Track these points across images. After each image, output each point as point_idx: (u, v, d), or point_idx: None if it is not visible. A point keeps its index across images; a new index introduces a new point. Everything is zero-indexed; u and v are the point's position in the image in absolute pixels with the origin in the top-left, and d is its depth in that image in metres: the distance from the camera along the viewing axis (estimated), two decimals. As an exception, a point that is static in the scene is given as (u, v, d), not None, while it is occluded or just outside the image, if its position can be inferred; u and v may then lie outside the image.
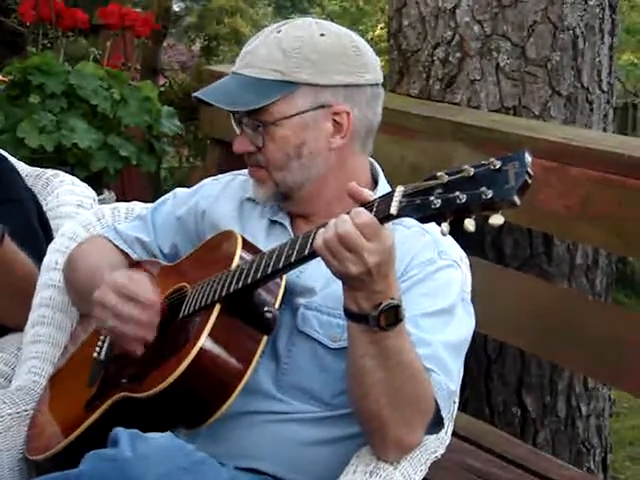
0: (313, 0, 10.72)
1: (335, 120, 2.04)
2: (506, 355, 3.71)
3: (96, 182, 3.81)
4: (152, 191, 5.30)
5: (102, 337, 2.18)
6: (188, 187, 2.39)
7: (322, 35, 2.04)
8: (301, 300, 2.03)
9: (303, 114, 2.02)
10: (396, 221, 1.75)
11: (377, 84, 2.09)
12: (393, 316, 1.80)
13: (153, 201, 2.42)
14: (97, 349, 2.17)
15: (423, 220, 1.67)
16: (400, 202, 1.69)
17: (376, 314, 1.79)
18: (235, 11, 9.31)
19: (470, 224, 1.61)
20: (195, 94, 2.07)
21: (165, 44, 8.67)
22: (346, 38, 2.07)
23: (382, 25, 9.57)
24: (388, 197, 1.71)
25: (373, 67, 2.08)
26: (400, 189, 1.70)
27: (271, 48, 2.03)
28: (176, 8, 9.59)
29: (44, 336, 2.42)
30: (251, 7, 9.86)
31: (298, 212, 2.13)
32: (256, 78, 2.03)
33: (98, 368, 2.15)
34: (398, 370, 1.85)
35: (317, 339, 2.02)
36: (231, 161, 4.08)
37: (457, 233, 1.65)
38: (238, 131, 2.08)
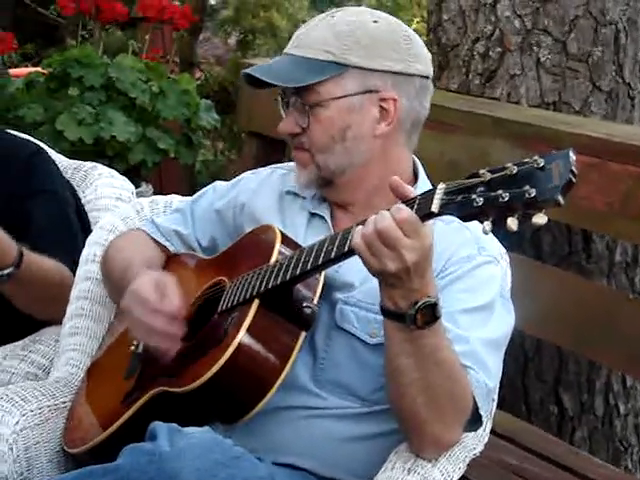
0: (349, -6, 10.69)
1: (382, 106, 2.03)
2: (543, 353, 3.68)
3: (134, 175, 3.82)
4: (188, 184, 5.30)
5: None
6: (223, 180, 2.39)
7: (375, 22, 2.05)
8: (340, 295, 2.02)
9: (350, 97, 2.02)
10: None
11: (427, 77, 2.08)
12: (430, 314, 1.79)
13: (189, 194, 2.42)
14: (135, 342, 2.17)
15: (465, 218, 1.66)
16: (442, 200, 1.67)
17: (413, 312, 1.78)
18: (271, 5, 9.29)
19: (513, 223, 1.59)
20: (245, 70, 2.07)
21: (201, 37, 8.67)
22: (398, 27, 2.08)
23: (418, 19, 9.53)
24: (429, 194, 1.70)
25: (424, 59, 2.08)
26: (442, 186, 1.69)
27: (324, 31, 2.04)
28: (212, 1, 9.60)
29: (82, 328, 2.43)
30: (287, 0, 9.84)
31: (338, 201, 2.12)
32: (307, 58, 2.04)
33: (135, 361, 2.15)
34: (434, 369, 1.84)
35: (355, 334, 2.01)
36: (268, 154, 4.11)
37: (498, 231, 1.64)
38: (284, 114, 2.08)
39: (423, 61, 2.07)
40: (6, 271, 2.39)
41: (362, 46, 2.02)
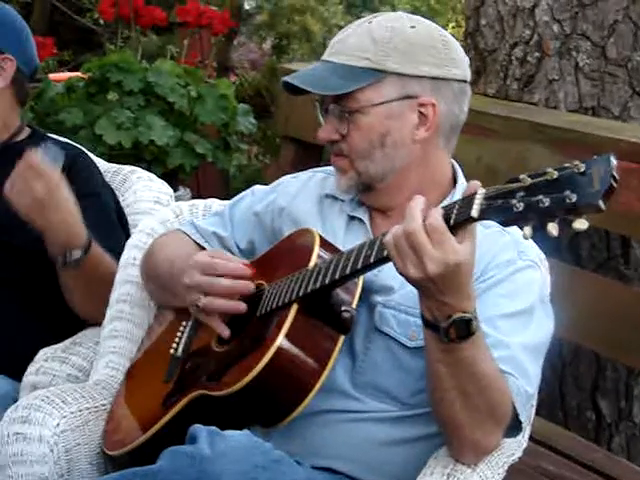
0: (384, -2, 10.69)
1: (421, 112, 2.03)
2: (581, 358, 3.67)
3: (172, 179, 3.84)
4: (223, 188, 5.32)
5: (179, 334, 2.20)
6: (257, 184, 2.40)
7: (412, 27, 2.05)
8: (379, 298, 2.02)
9: (389, 103, 2.03)
10: None
11: (465, 81, 2.08)
12: (464, 330, 1.78)
13: (224, 198, 2.43)
14: (174, 345, 2.19)
15: (505, 224, 1.65)
16: (481, 205, 1.67)
17: (446, 326, 1.77)
18: (306, 9, 9.31)
19: (553, 228, 1.58)
20: (284, 78, 2.08)
21: (235, 42, 8.71)
22: (436, 31, 2.08)
23: (453, 24, 9.52)
24: (469, 199, 1.69)
25: (461, 63, 2.08)
26: (482, 191, 1.68)
27: (361, 37, 2.04)
28: (247, 6, 9.64)
29: (122, 331, 2.44)
30: (321, 5, 9.85)
31: (378, 206, 2.12)
32: (345, 65, 2.04)
33: (175, 364, 2.17)
34: (472, 380, 1.84)
35: (394, 337, 2.01)
36: (304, 159, 4.11)
37: (538, 236, 1.63)
38: (323, 120, 2.09)
39: (461, 65, 2.08)
40: (76, 253, 2.42)
41: (400, 52, 2.02)
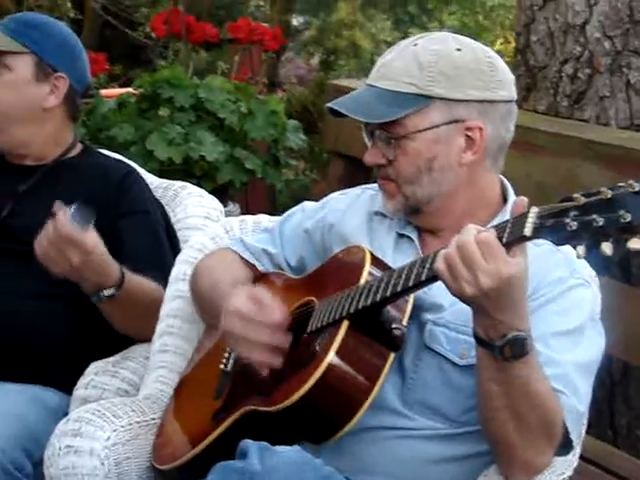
0: (432, 14, 10.69)
1: (468, 135, 2.03)
2: (631, 377, 3.63)
3: (222, 194, 3.86)
4: (270, 204, 5.34)
5: (228, 349, 2.20)
6: (305, 200, 2.41)
7: (458, 50, 2.03)
8: (429, 316, 2.02)
9: (436, 128, 2.02)
10: None
11: (511, 101, 2.07)
12: (519, 349, 1.78)
13: (271, 213, 2.44)
14: (223, 361, 2.19)
15: (558, 242, 1.65)
16: (534, 223, 1.66)
17: (501, 344, 1.77)
18: (354, 25, 9.34)
19: (607, 248, 1.58)
20: (329, 104, 2.08)
21: (282, 58, 8.76)
22: (482, 53, 2.06)
23: (501, 40, 9.50)
24: (522, 218, 1.69)
25: (508, 84, 2.07)
26: (535, 210, 1.68)
27: (407, 61, 2.03)
28: (295, 22, 9.69)
29: (171, 346, 2.46)
30: (369, 21, 9.87)
31: (427, 227, 2.12)
32: (391, 91, 2.03)
33: (225, 380, 2.17)
34: (524, 399, 1.83)
35: (444, 355, 2.00)
36: (353, 175, 4.11)
37: (591, 255, 1.62)
38: (369, 143, 2.09)
39: (507, 86, 2.06)
40: (109, 292, 2.43)
41: (446, 77, 2.01)
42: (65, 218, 2.29)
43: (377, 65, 2.09)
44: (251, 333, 2.00)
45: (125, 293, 2.44)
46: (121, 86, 5.81)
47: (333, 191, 2.36)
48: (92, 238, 2.33)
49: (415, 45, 2.05)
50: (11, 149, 2.75)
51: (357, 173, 3.98)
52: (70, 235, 2.29)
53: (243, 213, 3.55)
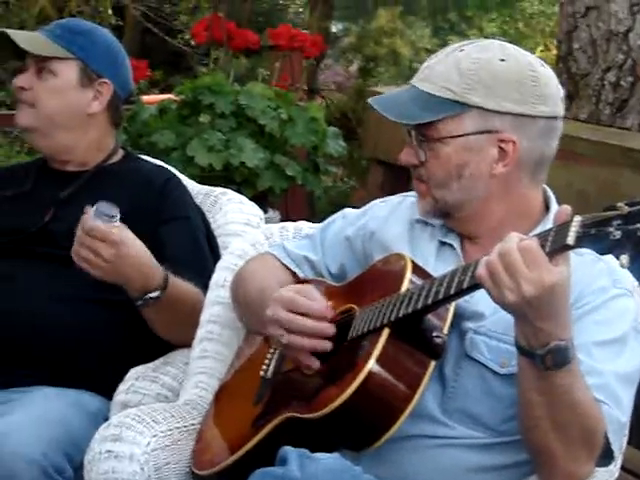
0: (472, 22, 10.67)
1: (500, 147, 2.01)
2: (672, 387, 3.60)
3: (262, 201, 3.87)
4: (309, 210, 5.35)
5: (269, 355, 2.20)
6: (343, 206, 2.40)
7: (502, 60, 2.02)
8: (470, 324, 2.01)
9: (469, 136, 2.01)
10: None
11: (554, 117, 2.04)
12: (562, 358, 1.77)
13: (310, 220, 2.44)
14: (264, 367, 2.19)
15: (601, 251, 1.64)
16: (577, 232, 1.66)
17: (543, 353, 1.77)
18: (394, 32, 9.32)
19: (650, 257, 1.57)
20: (369, 100, 2.09)
21: (322, 65, 8.77)
22: (527, 66, 2.03)
23: (542, 48, 9.44)
24: (565, 227, 1.68)
25: (551, 99, 2.03)
26: (578, 219, 1.67)
27: (449, 66, 2.03)
28: (334, 29, 9.69)
29: (211, 352, 2.46)
30: (409, 28, 9.86)
31: (464, 232, 2.12)
32: (428, 93, 2.04)
33: (265, 386, 2.17)
34: (566, 409, 1.82)
35: (485, 364, 2.00)
36: (393, 182, 4.11)
37: (634, 264, 1.61)
38: (408, 141, 2.09)
39: (551, 102, 2.03)
40: (154, 294, 2.45)
41: (484, 86, 2.00)
42: (88, 215, 2.33)
43: (423, 66, 2.10)
44: (293, 318, 2.01)
45: (169, 296, 2.46)
46: (161, 92, 5.84)
47: (373, 198, 2.36)
48: (118, 230, 2.35)
49: (461, 51, 2.05)
50: (55, 154, 2.77)
51: (397, 180, 3.98)
52: (94, 229, 2.33)
53: (282, 220, 3.55)
